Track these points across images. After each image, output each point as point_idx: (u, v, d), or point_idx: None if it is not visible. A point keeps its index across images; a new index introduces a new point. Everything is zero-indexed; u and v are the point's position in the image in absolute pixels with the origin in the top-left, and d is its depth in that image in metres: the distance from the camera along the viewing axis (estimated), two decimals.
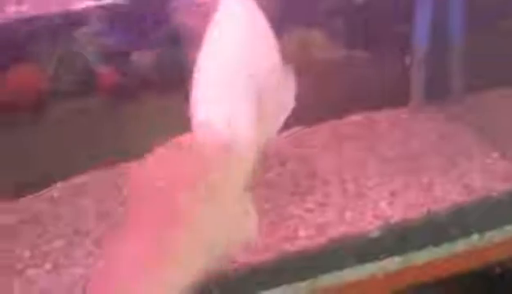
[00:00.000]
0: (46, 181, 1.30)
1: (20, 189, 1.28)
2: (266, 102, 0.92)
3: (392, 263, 1.06)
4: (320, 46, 1.40)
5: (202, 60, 0.89)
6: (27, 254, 1.12)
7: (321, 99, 1.35)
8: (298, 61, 1.36)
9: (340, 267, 1.05)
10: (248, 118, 0.84)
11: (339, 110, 1.43)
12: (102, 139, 1.31)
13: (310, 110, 1.35)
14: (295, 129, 1.41)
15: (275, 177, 1.27)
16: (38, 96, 1.35)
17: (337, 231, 1.08)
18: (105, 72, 1.38)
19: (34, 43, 1.32)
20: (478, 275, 1.13)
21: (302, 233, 1.10)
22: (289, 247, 1.07)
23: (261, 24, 0.97)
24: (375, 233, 1.07)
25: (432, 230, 1.09)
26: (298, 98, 1.35)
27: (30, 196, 1.28)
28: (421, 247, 1.07)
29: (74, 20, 1.35)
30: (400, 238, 1.07)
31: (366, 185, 1.20)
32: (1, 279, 1.06)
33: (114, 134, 1.31)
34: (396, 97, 1.45)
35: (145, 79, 1.43)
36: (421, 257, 1.07)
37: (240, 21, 0.94)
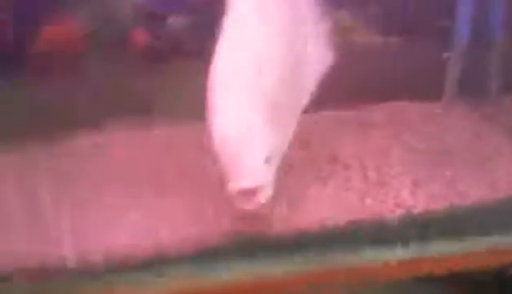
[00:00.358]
0: None
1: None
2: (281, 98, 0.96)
3: (408, 251, 1.04)
4: (357, 32, 1.38)
5: (219, 59, 0.92)
6: None
7: (352, 84, 1.33)
8: (333, 45, 1.36)
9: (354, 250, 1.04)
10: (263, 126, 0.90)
11: (370, 97, 1.40)
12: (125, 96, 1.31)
13: (339, 95, 1.34)
14: (322, 113, 1.40)
15: (296, 160, 1.25)
16: (73, 51, 1.36)
17: (356, 216, 1.07)
18: (140, 33, 1.39)
19: None
20: (491, 275, 1.11)
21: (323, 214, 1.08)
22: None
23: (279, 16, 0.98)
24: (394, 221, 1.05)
25: (451, 224, 1.07)
26: (328, 82, 1.34)
27: None
28: (438, 238, 1.05)
29: None
30: (419, 228, 1.05)
31: (389, 174, 1.18)
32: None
33: (139, 93, 1.33)
34: (430, 90, 1.42)
35: (177, 44, 1.43)
36: (437, 249, 1.05)
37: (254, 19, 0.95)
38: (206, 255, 1.00)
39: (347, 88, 1.30)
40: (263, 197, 0.92)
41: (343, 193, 1.13)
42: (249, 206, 0.91)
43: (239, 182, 0.89)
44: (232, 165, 0.90)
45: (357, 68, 1.30)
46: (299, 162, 1.18)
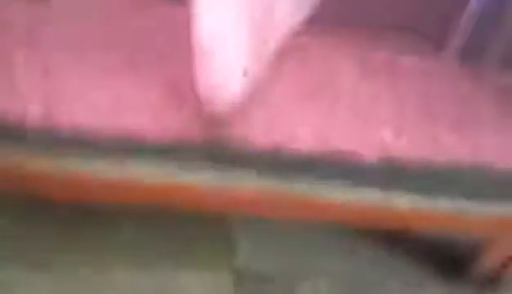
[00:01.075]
0: None
1: None
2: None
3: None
4: None
5: None
6: None
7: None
8: None
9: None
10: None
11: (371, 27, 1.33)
12: None
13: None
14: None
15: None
16: None
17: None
18: None
19: None
20: None
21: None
22: None
23: None
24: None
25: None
26: None
27: None
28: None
29: None
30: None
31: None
32: None
33: None
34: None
35: None
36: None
37: None
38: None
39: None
40: (235, 102, 0.93)
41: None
42: (219, 108, 0.92)
43: (214, 80, 0.90)
44: (210, 63, 0.90)
45: None
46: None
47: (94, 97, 0.98)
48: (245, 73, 0.93)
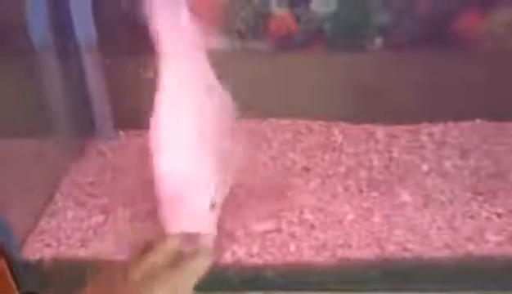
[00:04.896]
0: None
1: None
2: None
3: None
4: None
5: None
6: None
7: None
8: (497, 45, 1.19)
9: None
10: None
11: None
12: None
13: (496, 103, 1.17)
14: (478, 121, 1.23)
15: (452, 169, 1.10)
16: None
17: None
18: (281, 15, 1.27)
19: None
20: None
21: (490, 237, 0.93)
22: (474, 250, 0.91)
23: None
24: None
25: None
26: (486, 87, 1.17)
27: None
28: None
29: None
30: None
31: None
32: None
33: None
34: None
35: (316, 31, 1.30)
36: None
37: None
38: None
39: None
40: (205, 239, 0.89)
41: None
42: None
43: (181, 227, 0.86)
44: (176, 208, 0.88)
45: None
46: None
47: None
48: (211, 207, 0.90)
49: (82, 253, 0.99)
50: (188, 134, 0.92)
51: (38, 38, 1.15)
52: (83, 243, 1.01)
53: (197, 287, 0.75)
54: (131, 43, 1.14)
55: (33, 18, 1.14)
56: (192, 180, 0.90)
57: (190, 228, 0.87)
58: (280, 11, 1.30)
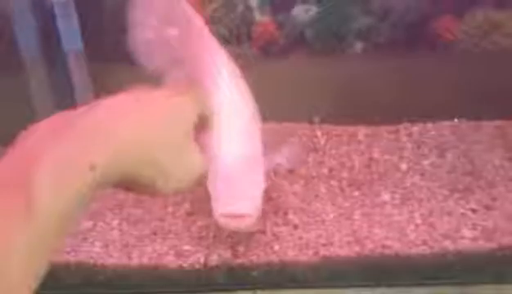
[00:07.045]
0: None
1: None
2: None
3: None
4: (509, 32, 1.24)
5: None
6: None
7: (493, 91, 1.20)
8: (476, 44, 1.23)
9: None
10: None
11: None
12: None
13: (476, 103, 1.21)
14: (456, 121, 1.27)
15: (431, 168, 1.14)
16: None
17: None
18: (263, 22, 1.30)
19: None
20: None
21: (466, 233, 0.97)
22: (450, 246, 0.94)
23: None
24: None
25: None
26: (463, 87, 1.21)
27: None
28: None
29: None
30: None
31: None
32: None
33: None
34: None
35: (298, 37, 1.33)
36: None
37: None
38: None
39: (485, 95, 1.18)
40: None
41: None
42: (235, 227, 0.97)
43: (232, 207, 0.94)
44: (231, 190, 0.96)
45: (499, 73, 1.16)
46: None
47: None
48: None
49: (71, 258, 1.02)
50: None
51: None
52: (73, 248, 1.05)
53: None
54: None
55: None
56: (251, 162, 0.98)
57: (242, 208, 0.94)
58: (262, 18, 1.34)
